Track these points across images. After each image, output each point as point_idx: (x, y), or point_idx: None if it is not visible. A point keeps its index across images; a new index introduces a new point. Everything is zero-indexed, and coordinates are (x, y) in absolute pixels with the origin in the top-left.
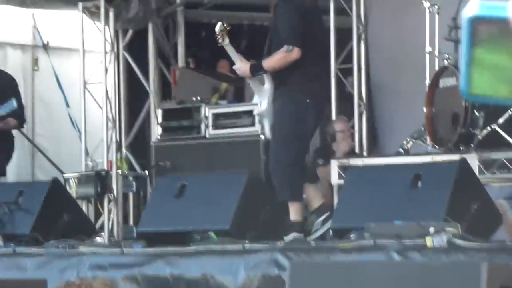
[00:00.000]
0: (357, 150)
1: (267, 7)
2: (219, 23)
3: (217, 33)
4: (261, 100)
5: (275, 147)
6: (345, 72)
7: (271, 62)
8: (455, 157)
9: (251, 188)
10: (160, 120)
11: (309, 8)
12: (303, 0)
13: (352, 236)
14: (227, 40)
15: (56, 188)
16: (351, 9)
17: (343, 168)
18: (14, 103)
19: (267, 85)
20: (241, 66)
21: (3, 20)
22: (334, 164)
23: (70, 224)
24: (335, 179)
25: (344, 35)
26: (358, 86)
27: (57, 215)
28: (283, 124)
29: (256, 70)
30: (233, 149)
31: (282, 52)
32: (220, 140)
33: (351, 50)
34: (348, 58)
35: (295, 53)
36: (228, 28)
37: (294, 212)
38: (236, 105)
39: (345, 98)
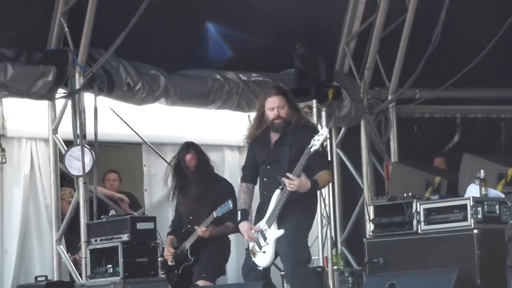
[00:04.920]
0: None
1: (478, 99)
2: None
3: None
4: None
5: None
6: None
7: (324, 182)
8: None
9: (461, 286)
10: (372, 216)
11: None
12: None
13: None
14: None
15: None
16: None
17: None
18: (230, 204)
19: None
20: (302, 180)
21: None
22: None
23: None
24: None
25: None
26: None
27: None
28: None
29: (314, 186)
30: (446, 244)
31: (328, 175)
32: (432, 235)
33: None
34: None
35: None
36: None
37: None
38: (448, 200)
39: None
